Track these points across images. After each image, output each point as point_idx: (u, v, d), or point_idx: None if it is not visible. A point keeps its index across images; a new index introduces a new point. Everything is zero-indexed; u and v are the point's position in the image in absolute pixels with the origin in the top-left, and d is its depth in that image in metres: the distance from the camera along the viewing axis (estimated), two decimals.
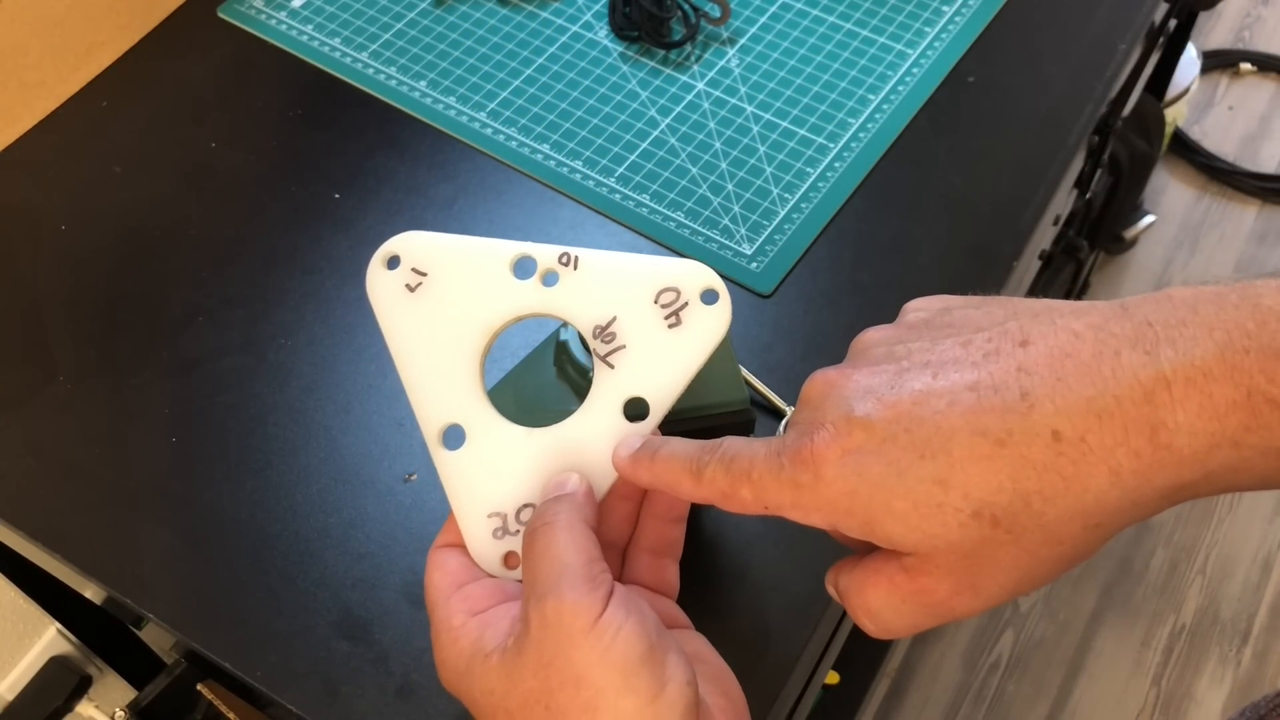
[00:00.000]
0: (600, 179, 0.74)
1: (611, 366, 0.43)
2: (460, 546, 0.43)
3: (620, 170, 0.74)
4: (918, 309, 0.39)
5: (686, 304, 0.42)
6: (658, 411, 0.42)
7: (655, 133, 0.76)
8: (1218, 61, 1.95)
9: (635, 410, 0.43)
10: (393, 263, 0.44)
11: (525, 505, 0.43)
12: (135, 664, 1.01)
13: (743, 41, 0.81)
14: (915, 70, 0.79)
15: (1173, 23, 1.10)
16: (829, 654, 0.79)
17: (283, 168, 0.75)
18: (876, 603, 0.38)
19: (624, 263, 0.43)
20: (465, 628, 0.40)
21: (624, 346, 0.43)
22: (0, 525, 0.62)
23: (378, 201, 0.73)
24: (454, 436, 0.43)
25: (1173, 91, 1.62)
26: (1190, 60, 1.64)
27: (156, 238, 0.73)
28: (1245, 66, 1.94)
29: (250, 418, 0.65)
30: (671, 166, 0.74)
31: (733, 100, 0.77)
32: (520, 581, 0.42)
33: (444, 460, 0.43)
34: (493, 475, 0.43)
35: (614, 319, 0.43)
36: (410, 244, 0.44)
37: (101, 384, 0.67)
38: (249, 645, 0.57)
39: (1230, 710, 1.39)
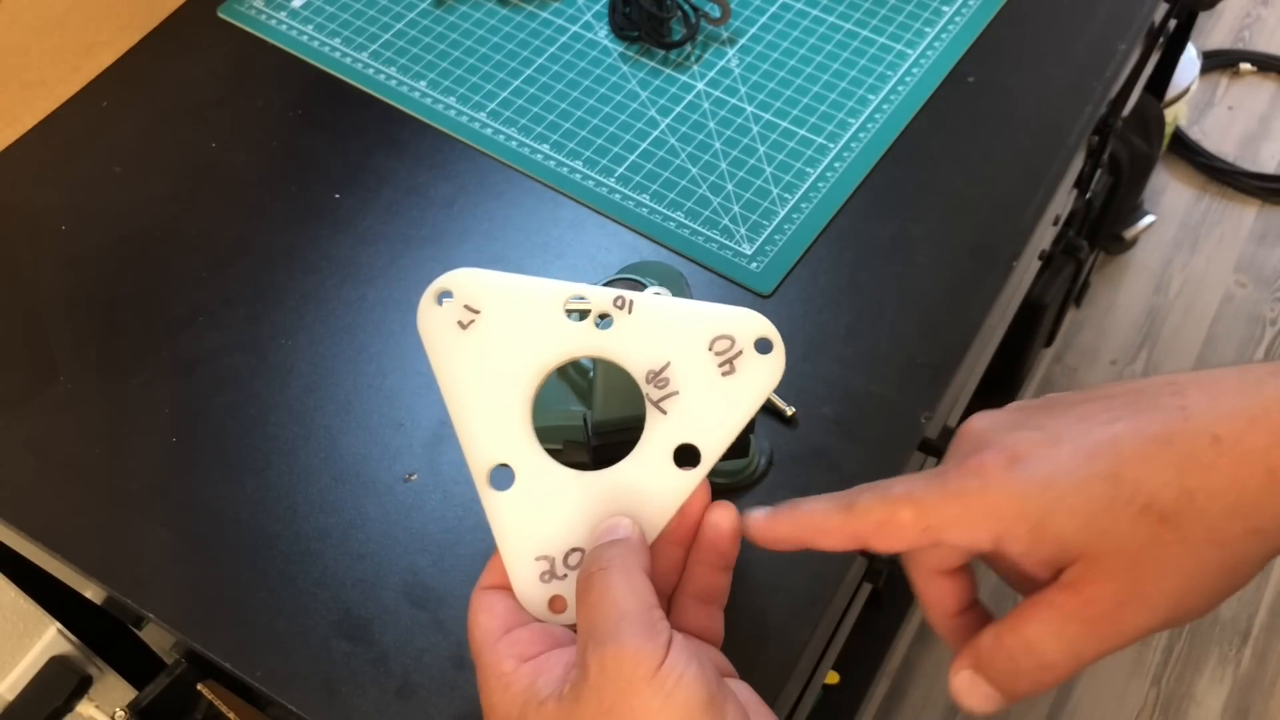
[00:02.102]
0: (600, 179, 0.74)
1: (664, 412, 0.42)
2: (505, 589, 0.43)
3: (620, 170, 0.74)
4: (1012, 409, 0.40)
5: (741, 352, 0.42)
6: (709, 459, 0.42)
7: (655, 133, 0.76)
8: (1218, 61, 1.95)
9: (686, 457, 0.42)
10: (444, 298, 0.43)
11: (574, 549, 0.42)
12: (135, 664, 1.01)
13: (743, 41, 0.81)
14: (915, 70, 0.79)
15: (1172, 23, 1.10)
16: (829, 654, 0.79)
17: (283, 168, 0.75)
18: (1035, 633, 0.37)
19: (679, 308, 0.43)
20: (517, 673, 0.39)
21: (677, 393, 0.42)
22: (0, 525, 0.62)
23: (378, 201, 0.73)
24: (502, 477, 0.43)
25: (1173, 91, 1.62)
26: (1190, 60, 1.64)
27: (157, 238, 0.73)
28: (1245, 66, 1.94)
29: (250, 418, 0.65)
30: (671, 166, 0.74)
31: (733, 100, 0.77)
32: (568, 627, 0.42)
33: (492, 501, 0.43)
34: (541, 517, 0.42)
35: (667, 364, 0.42)
36: (463, 280, 0.43)
37: (101, 384, 0.67)
38: (249, 645, 0.57)
39: (1230, 710, 1.39)
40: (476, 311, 0.43)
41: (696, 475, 0.42)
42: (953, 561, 0.41)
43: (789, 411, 0.63)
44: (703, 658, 0.38)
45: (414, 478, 0.62)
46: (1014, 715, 1.39)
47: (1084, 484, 0.36)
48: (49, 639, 0.97)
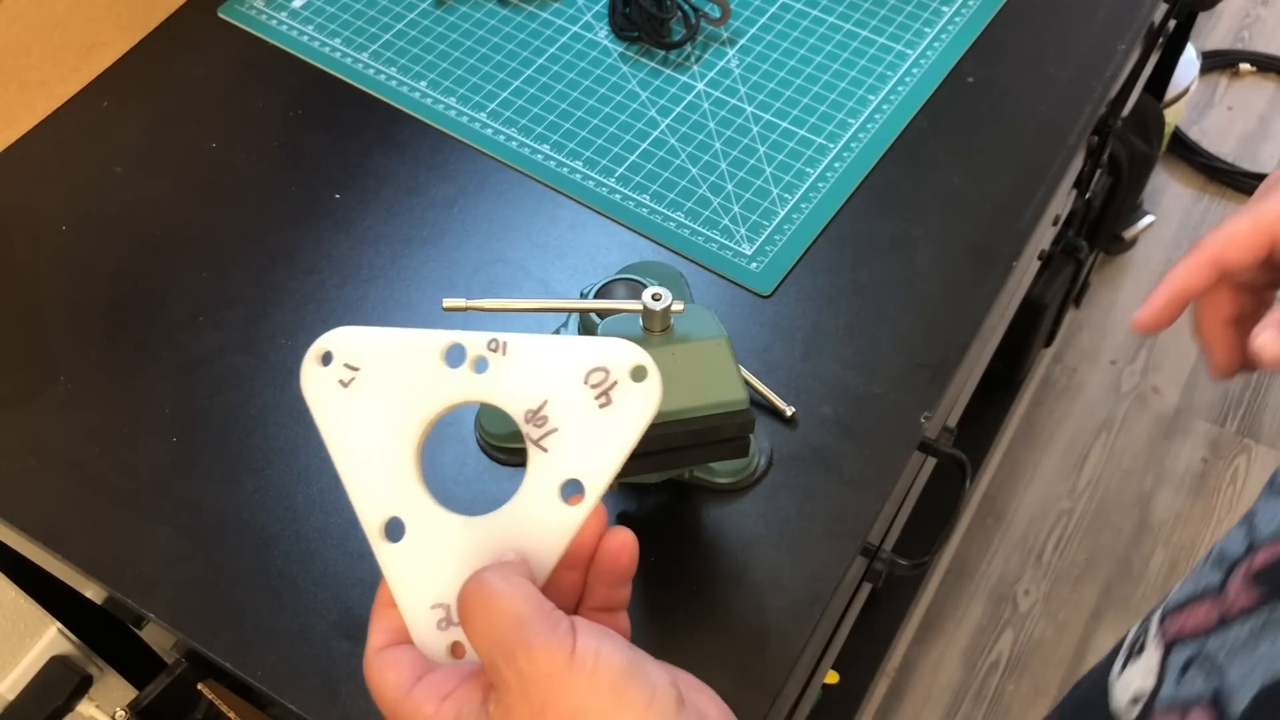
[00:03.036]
0: (600, 179, 0.74)
1: (545, 450, 0.42)
2: (402, 643, 0.43)
3: (620, 170, 0.74)
4: None
5: (616, 383, 0.42)
6: (594, 492, 0.42)
7: (655, 133, 0.76)
8: (1217, 62, 1.95)
9: (571, 492, 0.43)
10: (326, 359, 0.44)
11: None
12: (136, 664, 1.01)
13: (743, 41, 0.81)
14: (915, 70, 0.79)
15: (1172, 23, 1.10)
16: (829, 654, 0.79)
17: (283, 168, 0.75)
18: None
19: (553, 345, 0.43)
20: (440, 713, 0.39)
21: (556, 429, 0.42)
22: (0, 525, 0.63)
23: (378, 201, 0.73)
24: (394, 529, 0.43)
25: (1172, 91, 1.62)
26: (1190, 60, 1.64)
27: (157, 238, 0.73)
28: (1245, 67, 1.94)
29: (250, 418, 0.65)
30: (671, 166, 0.74)
31: (733, 100, 0.77)
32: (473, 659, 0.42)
33: (385, 553, 0.43)
34: (434, 566, 0.43)
35: (545, 402, 0.42)
36: (341, 340, 0.44)
37: (102, 384, 0.67)
38: (249, 645, 0.57)
39: None
40: (356, 369, 0.43)
41: (584, 509, 0.42)
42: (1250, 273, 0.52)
43: (789, 411, 0.63)
44: (607, 630, 0.38)
45: None
46: (1014, 715, 1.40)
47: None
48: (49, 639, 0.97)
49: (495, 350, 0.43)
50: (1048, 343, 1.61)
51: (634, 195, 0.73)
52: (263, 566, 0.60)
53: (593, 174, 0.74)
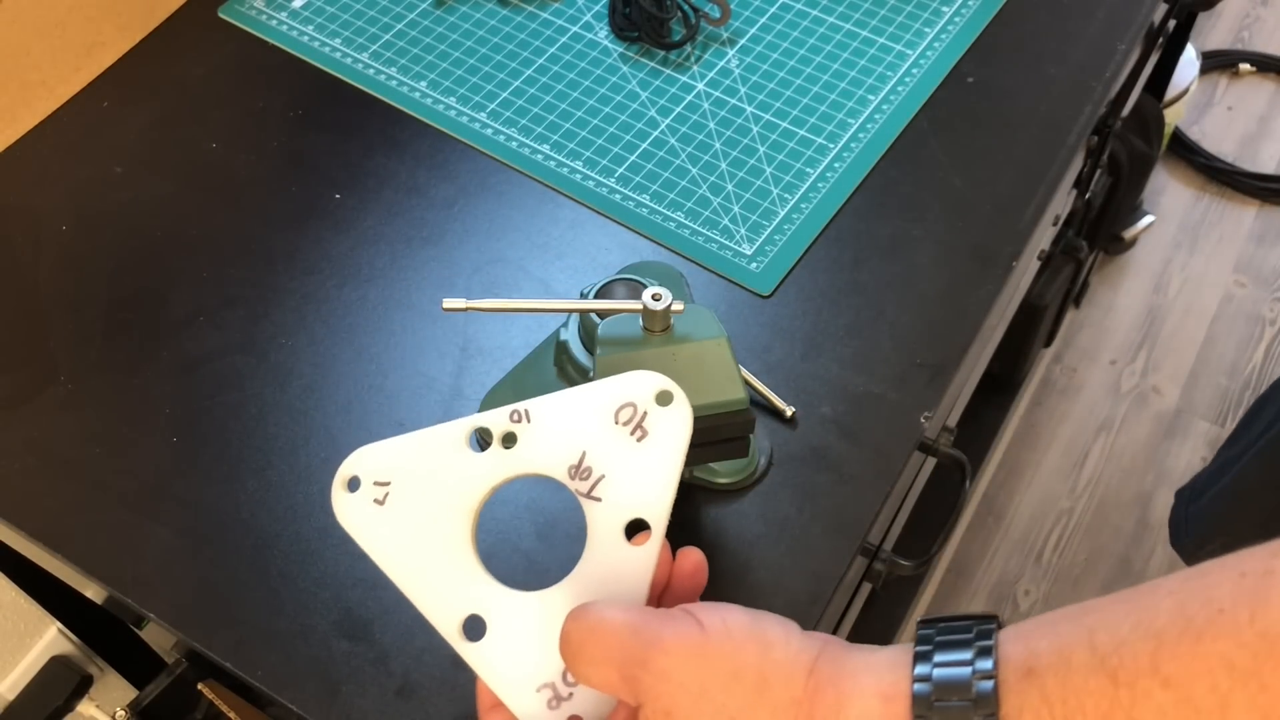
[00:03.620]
0: (600, 179, 0.74)
1: (599, 499, 0.42)
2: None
3: (620, 170, 0.74)
4: None
5: (646, 413, 0.42)
6: (659, 524, 0.42)
7: (655, 133, 0.76)
8: (1217, 62, 1.95)
9: (636, 531, 0.42)
10: (353, 484, 0.43)
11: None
12: (136, 663, 1.01)
13: (743, 41, 0.81)
14: (915, 70, 0.79)
15: (1172, 23, 1.10)
16: None
17: (283, 168, 0.75)
18: None
19: (573, 398, 0.43)
20: None
21: (604, 476, 0.42)
22: (1, 525, 0.63)
23: (378, 201, 0.73)
24: (474, 627, 0.42)
25: (1172, 92, 1.62)
26: (1190, 60, 1.64)
27: (157, 238, 0.73)
28: (1244, 67, 1.94)
29: (250, 418, 0.65)
30: (671, 166, 0.74)
31: (733, 100, 0.77)
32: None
33: (473, 654, 0.42)
34: (526, 649, 0.42)
35: (584, 454, 0.42)
36: (363, 461, 0.43)
37: (102, 384, 0.67)
38: (249, 645, 0.57)
39: None
40: (386, 484, 0.43)
41: (653, 545, 0.42)
42: None
43: (789, 412, 0.63)
44: (714, 602, 0.38)
45: None
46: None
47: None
48: (49, 639, 0.97)
49: (519, 421, 0.43)
50: (1048, 343, 1.61)
51: (634, 195, 0.73)
52: (263, 566, 0.60)
53: (593, 174, 0.74)
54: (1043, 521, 1.52)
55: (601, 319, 0.55)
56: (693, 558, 0.43)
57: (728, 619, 0.37)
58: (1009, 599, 1.47)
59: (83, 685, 0.99)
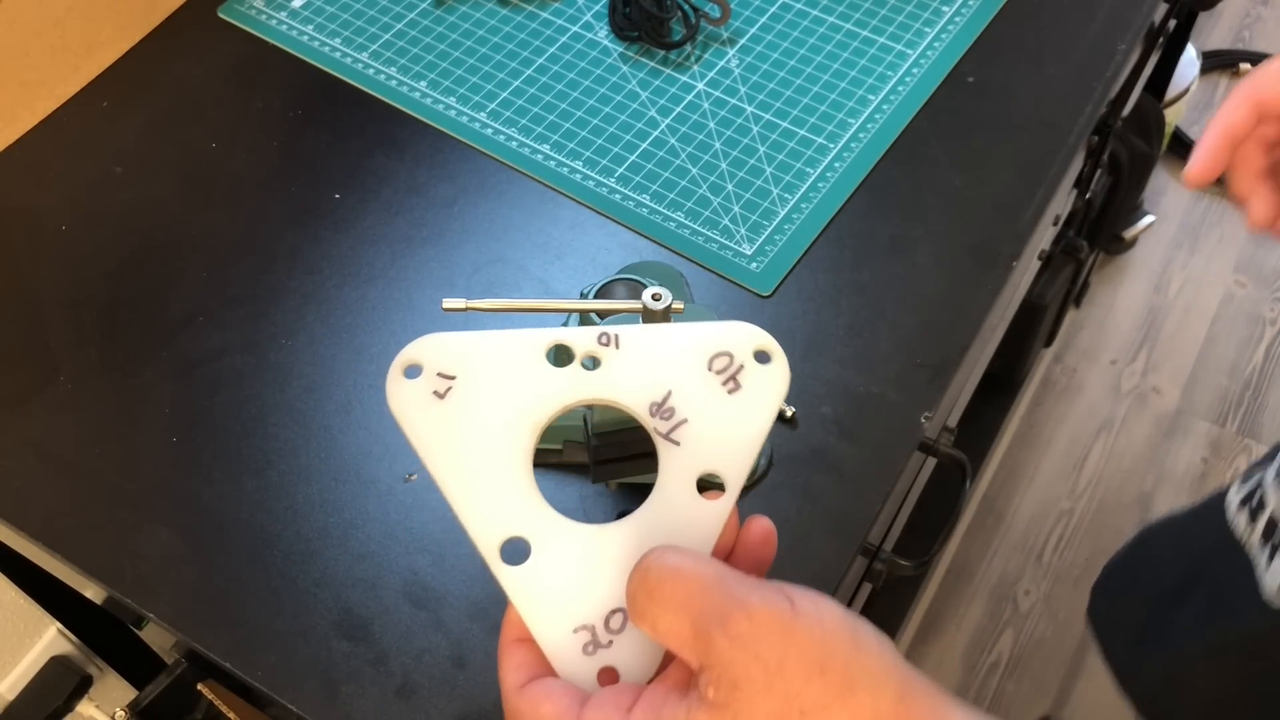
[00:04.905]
0: (600, 179, 0.74)
1: (677, 443, 0.39)
2: (548, 674, 0.38)
3: (620, 170, 0.74)
4: None
5: (742, 366, 0.40)
6: (735, 483, 0.40)
7: (655, 133, 0.76)
8: (1218, 62, 1.95)
9: (709, 485, 0.40)
10: (412, 371, 0.40)
11: (615, 610, 0.38)
12: (135, 664, 1.01)
13: (743, 41, 0.81)
14: (915, 70, 0.79)
15: (1172, 23, 1.10)
16: None
17: (283, 168, 0.75)
18: None
19: (668, 333, 0.40)
20: None
21: (685, 420, 0.40)
22: (0, 525, 0.62)
23: (378, 201, 0.73)
24: (516, 550, 0.39)
25: (1173, 91, 1.61)
26: (1190, 60, 1.64)
27: (157, 237, 0.73)
28: (1245, 67, 1.94)
29: (250, 418, 0.65)
30: (671, 166, 0.74)
31: (733, 100, 0.77)
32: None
33: (510, 578, 0.38)
34: (570, 585, 0.38)
35: (669, 393, 0.40)
36: (430, 348, 0.40)
37: (102, 384, 0.67)
38: (249, 645, 0.57)
39: None
40: (451, 378, 0.40)
41: (726, 503, 0.39)
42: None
43: (789, 411, 0.63)
44: (807, 589, 0.35)
45: (414, 478, 0.62)
46: (1014, 715, 1.39)
47: None
48: (49, 639, 0.97)
49: (606, 344, 0.40)
50: (1048, 343, 1.60)
51: (634, 195, 0.73)
52: (263, 567, 0.60)
53: (593, 174, 0.74)
54: (1043, 522, 1.52)
55: (601, 319, 0.54)
56: (762, 525, 0.40)
57: (821, 605, 0.34)
58: (1009, 599, 1.47)
59: (82, 685, 0.99)
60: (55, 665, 0.98)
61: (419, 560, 0.60)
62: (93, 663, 1.01)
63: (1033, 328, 1.37)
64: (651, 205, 0.72)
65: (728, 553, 0.40)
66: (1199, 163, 0.54)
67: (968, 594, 1.47)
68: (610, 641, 0.38)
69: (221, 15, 0.84)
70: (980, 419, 1.43)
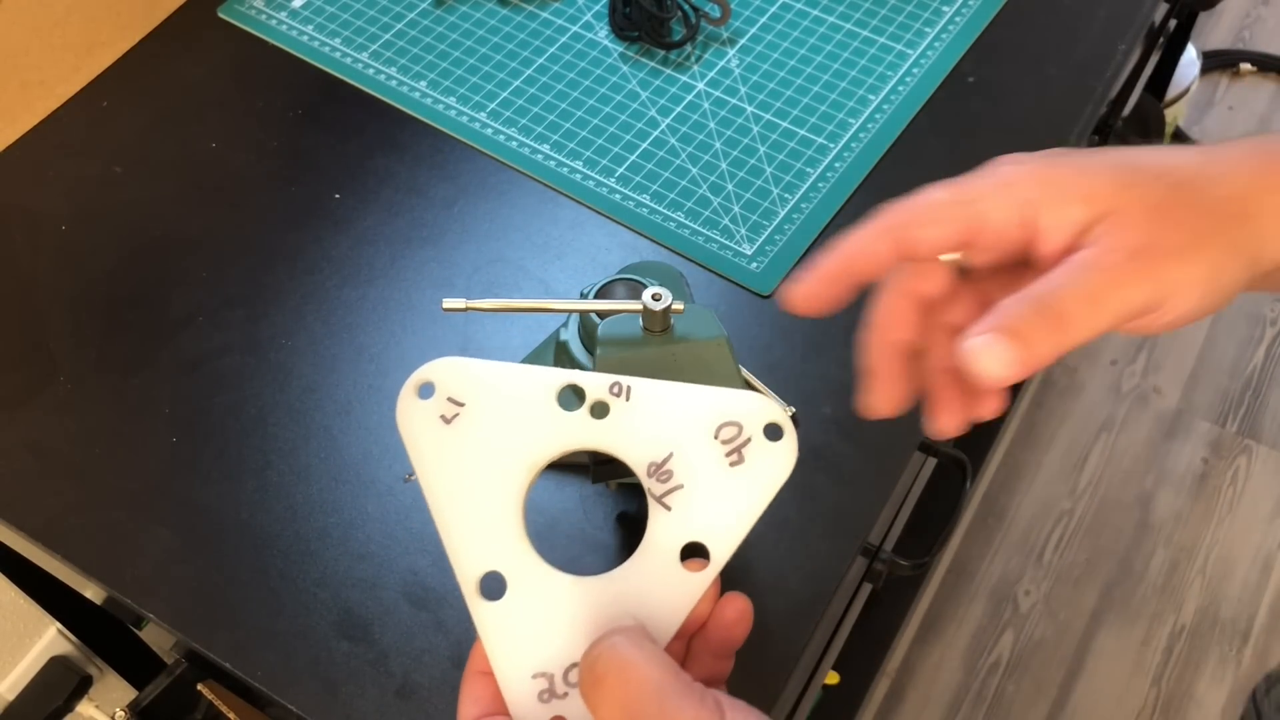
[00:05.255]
0: (600, 179, 0.74)
1: (668, 508, 0.39)
2: (496, 715, 0.39)
3: (620, 170, 0.74)
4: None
5: (749, 440, 0.39)
6: (720, 558, 0.39)
7: (655, 133, 0.76)
8: (1218, 61, 1.95)
9: (694, 555, 0.39)
10: (425, 391, 0.40)
11: (574, 665, 0.38)
12: (135, 664, 1.01)
13: (743, 41, 0.81)
14: (915, 70, 0.79)
15: (1173, 23, 1.10)
16: (829, 654, 0.79)
17: (283, 168, 0.75)
18: (1058, 280, 0.38)
19: (681, 394, 0.40)
20: None
21: (681, 486, 0.39)
22: (0, 525, 0.62)
23: (378, 201, 0.73)
24: (493, 586, 0.39)
25: (1173, 91, 1.61)
26: (1190, 60, 1.64)
27: (157, 237, 0.73)
28: (1245, 66, 1.94)
29: (250, 418, 0.65)
30: (671, 166, 0.74)
31: (733, 100, 0.77)
32: None
33: (482, 612, 0.39)
34: (538, 630, 0.39)
35: (670, 455, 0.39)
36: (446, 371, 0.40)
37: (102, 384, 0.67)
38: (249, 645, 0.57)
39: (1230, 711, 1.39)
40: (461, 404, 0.40)
41: (707, 577, 0.39)
42: (935, 280, 0.41)
43: (789, 411, 0.63)
44: (753, 710, 0.35)
45: (414, 478, 0.62)
46: (1014, 715, 1.39)
47: (1101, 159, 0.39)
48: (49, 639, 0.97)
49: (618, 395, 0.40)
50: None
51: (634, 195, 0.73)
52: (262, 567, 0.60)
53: (593, 174, 0.74)
54: (1043, 522, 1.52)
55: (601, 319, 0.54)
56: (737, 604, 0.40)
57: None
58: (1009, 599, 1.47)
59: (82, 686, 0.99)
60: (55, 665, 0.98)
61: (419, 560, 0.60)
62: (93, 663, 1.01)
63: None
64: (651, 205, 0.72)
65: (702, 622, 0.40)
66: (798, 290, 0.40)
67: (968, 594, 1.47)
68: (566, 694, 0.38)
69: (221, 15, 0.84)
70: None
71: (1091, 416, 1.60)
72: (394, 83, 0.79)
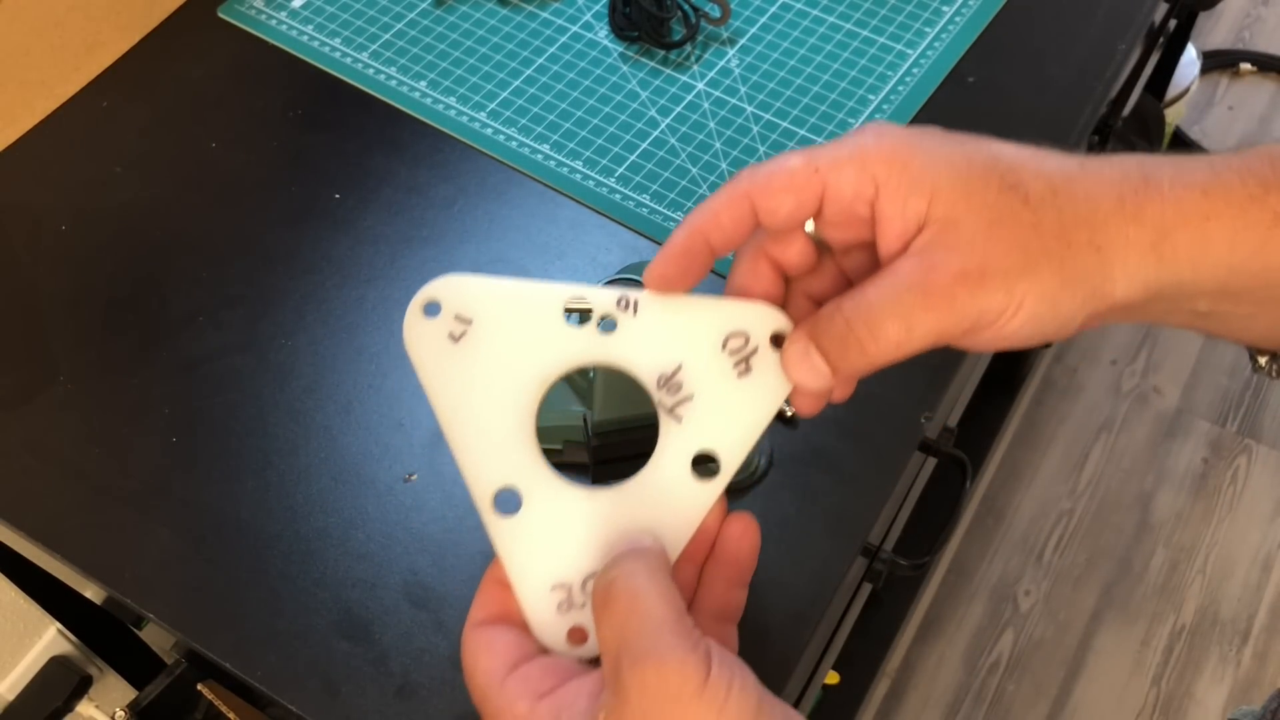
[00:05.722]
0: (600, 179, 0.74)
1: (678, 419, 0.40)
2: (503, 623, 0.39)
3: (620, 170, 0.74)
4: None
5: (756, 349, 0.40)
6: (729, 466, 0.40)
7: (655, 133, 0.76)
8: (1218, 61, 1.95)
9: (705, 465, 0.40)
10: (431, 309, 0.40)
11: (591, 575, 0.39)
12: (135, 664, 1.01)
13: (743, 41, 0.81)
14: (915, 70, 0.79)
15: (1173, 23, 1.10)
16: (829, 654, 0.79)
17: (283, 168, 0.75)
18: (874, 296, 0.37)
19: (687, 307, 0.40)
20: (535, 713, 0.36)
21: (691, 397, 0.40)
22: (0, 525, 0.62)
23: (378, 201, 0.73)
24: (508, 501, 0.39)
25: (1173, 91, 1.61)
26: (1190, 60, 1.64)
27: (157, 238, 0.73)
28: (1245, 66, 1.94)
29: (250, 418, 0.65)
30: (671, 166, 0.74)
31: (733, 100, 0.77)
32: (584, 660, 0.39)
33: (498, 527, 0.39)
34: (554, 542, 0.39)
35: (679, 367, 0.40)
36: (452, 289, 0.40)
37: (101, 384, 0.67)
38: (249, 645, 0.57)
39: (1231, 710, 1.39)
40: (468, 322, 0.40)
41: (717, 485, 0.40)
42: (795, 250, 0.41)
43: (789, 411, 0.63)
44: (739, 662, 0.36)
45: (414, 478, 0.62)
46: (1014, 715, 1.40)
47: (965, 151, 0.37)
48: (49, 639, 0.97)
49: (625, 309, 0.40)
50: (1048, 343, 1.60)
51: (634, 195, 0.73)
52: (262, 567, 0.60)
53: (593, 174, 0.74)
54: (1043, 522, 1.52)
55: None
56: (741, 522, 0.41)
57: (735, 688, 0.34)
58: (1009, 599, 1.47)
59: (82, 686, 0.99)
60: (55, 665, 0.98)
61: (419, 560, 0.60)
62: (93, 663, 1.01)
63: None
64: (652, 205, 0.72)
65: (711, 539, 0.41)
66: (655, 268, 0.40)
67: (968, 594, 1.47)
68: (584, 604, 0.39)
69: (221, 15, 0.84)
70: (980, 419, 1.43)
71: (1091, 416, 1.60)
72: (394, 83, 0.79)
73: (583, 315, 0.41)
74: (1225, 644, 1.44)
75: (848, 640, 0.85)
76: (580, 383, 0.60)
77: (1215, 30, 2.01)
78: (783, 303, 0.41)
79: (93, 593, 0.63)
